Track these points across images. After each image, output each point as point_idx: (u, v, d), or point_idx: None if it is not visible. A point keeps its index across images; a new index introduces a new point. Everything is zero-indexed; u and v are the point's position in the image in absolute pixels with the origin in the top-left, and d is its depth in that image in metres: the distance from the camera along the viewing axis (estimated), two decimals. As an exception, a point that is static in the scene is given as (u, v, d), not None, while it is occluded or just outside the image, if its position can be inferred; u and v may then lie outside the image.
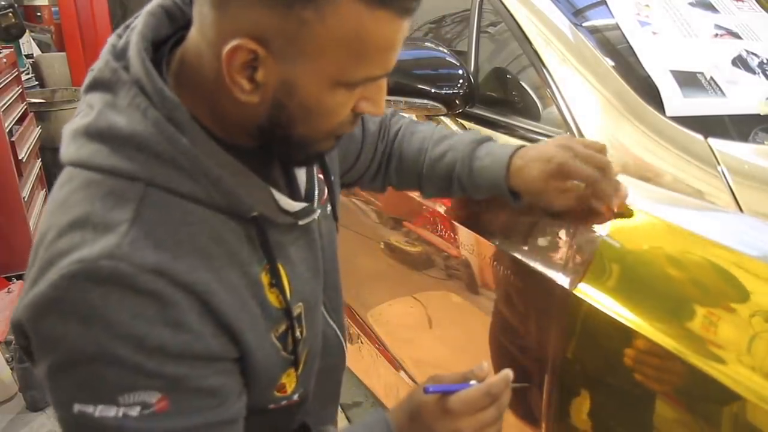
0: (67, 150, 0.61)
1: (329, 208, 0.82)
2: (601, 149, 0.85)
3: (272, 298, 0.67)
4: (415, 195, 1.28)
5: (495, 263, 1.04)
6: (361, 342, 1.67)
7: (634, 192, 0.88)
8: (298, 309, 0.70)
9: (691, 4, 1.20)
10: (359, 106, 0.63)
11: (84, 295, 0.54)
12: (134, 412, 0.56)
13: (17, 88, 3.21)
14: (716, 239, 0.74)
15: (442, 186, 0.96)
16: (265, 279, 0.66)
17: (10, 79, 3.10)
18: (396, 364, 1.48)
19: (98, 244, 0.54)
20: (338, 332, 0.85)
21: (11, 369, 2.27)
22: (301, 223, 0.70)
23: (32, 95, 3.94)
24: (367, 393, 1.89)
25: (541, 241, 0.94)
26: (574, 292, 0.85)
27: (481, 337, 1.14)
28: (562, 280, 0.87)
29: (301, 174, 0.74)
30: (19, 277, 2.77)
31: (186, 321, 0.57)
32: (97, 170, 0.58)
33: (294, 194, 0.72)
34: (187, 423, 0.59)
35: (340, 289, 0.87)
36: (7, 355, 2.31)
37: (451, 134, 0.97)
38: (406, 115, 1.07)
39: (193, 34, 0.61)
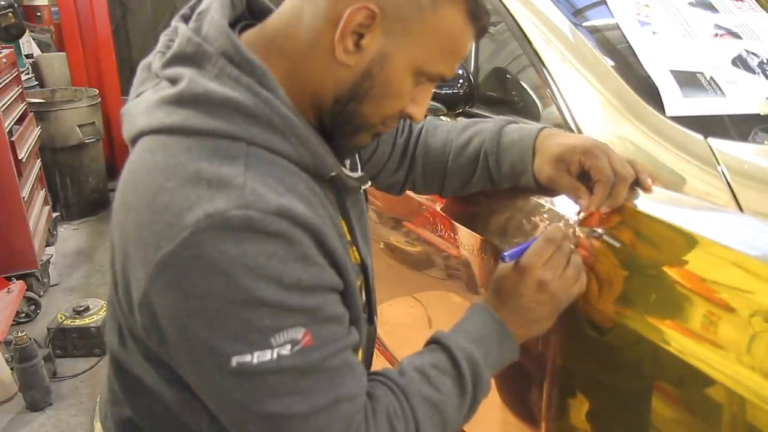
0: (151, 118, 0.64)
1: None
2: (631, 164, 0.86)
3: (351, 252, 0.74)
4: (415, 195, 1.28)
5: (493, 262, 1.04)
6: (361, 342, 1.67)
7: (635, 192, 0.88)
8: (368, 265, 0.78)
9: (691, 4, 1.20)
10: (407, 107, 0.71)
11: (219, 246, 0.57)
12: (286, 350, 0.60)
13: (17, 88, 3.21)
14: (716, 239, 0.74)
15: (468, 172, 0.98)
16: (347, 234, 0.74)
17: (9, 79, 3.10)
18: (396, 364, 1.48)
19: (221, 197, 0.57)
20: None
21: (11, 369, 2.27)
22: (364, 187, 0.78)
23: (32, 95, 3.94)
24: (367, 393, 1.89)
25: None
26: (574, 292, 0.85)
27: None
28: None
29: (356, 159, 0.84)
30: (19, 277, 2.77)
31: (311, 255, 0.62)
32: (195, 133, 0.61)
33: (351, 167, 0.80)
34: (328, 351, 0.63)
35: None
36: (7, 355, 2.31)
37: (475, 122, 1.00)
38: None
39: (281, 14, 0.69)
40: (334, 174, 0.70)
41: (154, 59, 0.71)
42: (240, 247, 0.57)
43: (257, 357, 0.59)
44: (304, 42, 0.66)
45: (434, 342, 0.79)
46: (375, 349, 1.57)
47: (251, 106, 0.62)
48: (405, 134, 1.04)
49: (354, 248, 0.75)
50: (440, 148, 1.01)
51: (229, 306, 0.58)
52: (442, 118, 1.23)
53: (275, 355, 0.59)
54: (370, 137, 0.73)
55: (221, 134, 0.61)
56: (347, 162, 0.80)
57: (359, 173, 0.77)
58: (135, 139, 0.66)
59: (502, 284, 0.82)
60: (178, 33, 0.67)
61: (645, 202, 0.85)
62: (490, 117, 1.21)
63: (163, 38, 0.72)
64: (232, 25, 0.70)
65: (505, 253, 0.80)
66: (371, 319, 0.79)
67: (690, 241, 0.76)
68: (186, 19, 0.70)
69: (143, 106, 0.66)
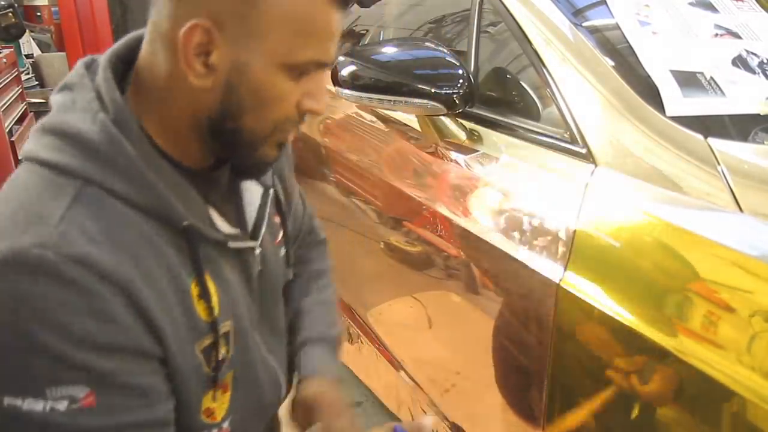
0: (26, 145, 0.64)
1: (282, 251, 0.84)
2: None
3: (200, 309, 0.67)
4: (415, 195, 1.28)
5: (492, 261, 1.04)
6: (361, 342, 1.67)
7: (635, 192, 0.88)
8: (225, 327, 0.70)
9: (691, 4, 1.20)
10: (303, 103, 0.66)
11: (12, 283, 0.55)
12: (62, 406, 0.56)
13: (17, 88, 3.21)
14: (716, 239, 0.74)
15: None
16: (194, 290, 0.66)
17: (10, 79, 3.10)
18: (396, 364, 1.48)
19: (30, 234, 0.56)
20: (278, 370, 0.82)
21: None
22: (231, 245, 0.70)
23: (32, 95, 3.93)
24: (367, 393, 1.88)
25: (539, 239, 0.94)
26: (570, 290, 0.85)
27: (480, 336, 1.14)
28: (557, 277, 0.87)
29: (251, 209, 0.77)
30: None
31: (111, 312, 0.57)
32: (42, 163, 0.61)
33: (238, 223, 0.74)
34: (114, 421, 0.58)
35: (283, 332, 0.87)
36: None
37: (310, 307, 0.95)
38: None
39: (148, 37, 0.65)
40: (187, 223, 0.64)
41: None
42: (32, 288, 0.55)
43: (27, 404, 0.55)
44: (162, 76, 0.63)
45: None
46: (375, 349, 1.58)
47: (96, 143, 0.60)
48: (302, 242, 1.00)
49: (203, 305, 0.67)
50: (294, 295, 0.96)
51: (10, 344, 0.55)
52: (442, 118, 1.23)
53: (48, 408, 0.55)
54: (272, 149, 0.68)
55: (61, 168, 0.60)
56: (251, 219, 0.76)
57: (235, 230, 0.72)
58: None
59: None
60: None
61: (645, 202, 0.85)
62: (490, 117, 1.21)
63: None
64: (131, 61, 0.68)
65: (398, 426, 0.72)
66: (216, 380, 0.70)
67: (690, 241, 0.76)
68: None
69: (32, 128, 0.67)
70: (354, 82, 1.19)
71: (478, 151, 1.18)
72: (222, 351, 0.69)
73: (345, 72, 1.19)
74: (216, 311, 0.68)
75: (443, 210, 1.18)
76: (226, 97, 0.62)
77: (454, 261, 1.18)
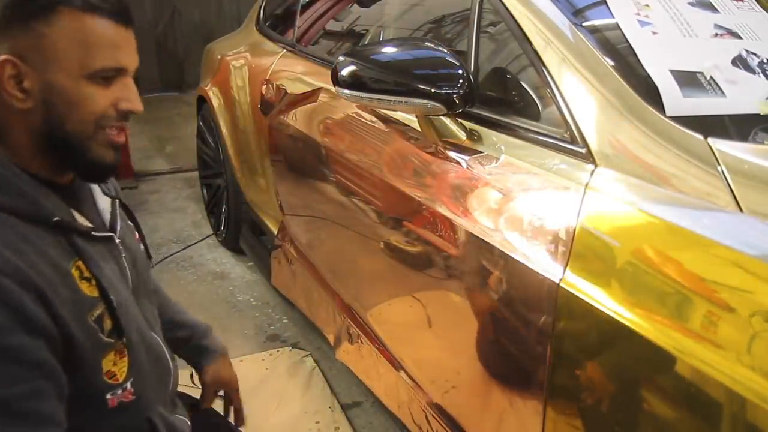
0: None
1: (142, 246, 1.02)
2: None
3: (84, 287, 0.80)
4: (415, 195, 1.28)
5: (492, 261, 1.04)
6: (361, 342, 1.67)
7: (635, 192, 0.88)
8: (111, 295, 0.83)
9: (691, 3, 1.20)
10: (119, 105, 0.80)
11: None
12: None
13: (17, 88, 3.20)
14: (716, 239, 0.74)
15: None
16: (75, 272, 0.79)
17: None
18: (396, 364, 1.48)
19: None
20: (161, 343, 0.98)
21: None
22: (95, 233, 0.85)
23: (32, 95, 3.93)
24: (367, 393, 1.89)
25: (539, 239, 0.94)
26: (570, 290, 0.85)
27: (480, 336, 1.14)
28: (557, 277, 0.87)
29: (106, 213, 0.92)
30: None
31: (15, 301, 0.69)
32: None
33: (97, 222, 0.89)
34: (6, 393, 0.68)
35: (156, 315, 1.02)
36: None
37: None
38: None
39: None
40: (57, 219, 0.78)
41: None
42: None
43: None
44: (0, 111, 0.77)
45: None
46: (375, 349, 1.58)
47: None
48: None
49: (86, 283, 0.80)
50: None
51: None
52: (442, 118, 1.23)
53: None
54: (104, 150, 0.81)
55: None
56: (107, 220, 0.91)
57: (91, 226, 0.85)
58: None
59: None
60: None
61: (645, 202, 0.85)
62: (490, 117, 1.21)
63: None
64: None
65: None
66: (120, 335, 0.84)
67: (690, 241, 0.76)
68: None
69: None
70: (354, 82, 1.19)
71: (478, 151, 1.18)
72: (108, 320, 0.82)
73: (345, 72, 1.19)
74: (97, 287, 0.81)
75: (443, 210, 1.18)
76: (46, 111, 0.77)
77: (454, 261, 1.18)
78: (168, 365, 0.99)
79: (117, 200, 0.96)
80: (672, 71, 1.03)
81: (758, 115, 1.00)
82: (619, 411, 0.82)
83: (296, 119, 1.96)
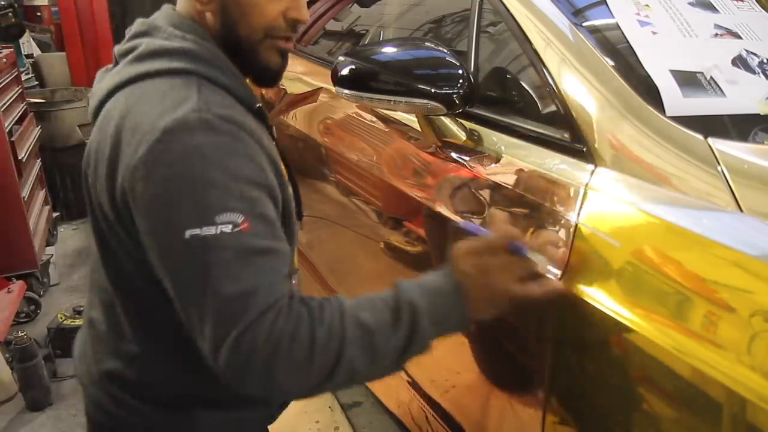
0: (118, 77, 0.84)
1: None
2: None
3: (282, 167, 0.87)
4: (415, 195, 1.28)
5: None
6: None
7: (635, 192, 0.88)
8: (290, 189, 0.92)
9: (691, 3, 1.20)
10: (288, 14, 0.87)
11: (181, 141, 0.74)
12: (227, 228, 0.73)
13: (17, 88, 3.20)
14: (716, 239, 0.74)
15: None
16: (276, 157, 0.86)
17: (10, 79, 3.10)
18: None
19: (182, 108, 0.76)
20: None
21: (11, 369, 2.27)
22: (273, 131, 0.94)
23: (32, 95, 3.93)
24: (367, 393, 1.89)
25: (539, 239, 0.94)
26: (573, 291, 0.85)
27: (480, 336, 1.14)
28: (557, 277, 0.87)
29: None
30: (19, 277, 2.76)
31: (253, 153, 0.79)
32: (158, 74, 0.81)
33: None
34: (263, 244, 0.76)
35: None
36: (7, 355, 2.31)
37: None
38: None
39: None
40: (259, 105, 0.88)
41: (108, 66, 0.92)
42: (197, 141, 0.74)
43: (204, 230, 0.72)
44: (187, 9, 0.88)
45: (394, 285, 0.84)
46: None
47: (198, 51, 0.83)
48: None
49: (279, 167, 0.87)
50: None
51: (185, 187, 0.73)
52: (442, 118, 1.23)
53: (218, 231, 0.73)
54: (273, 55, 0.89)
55: (179, 71, 0.81)
56: None
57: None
58: (102, 103, 0.86)
59: (456, 256, 0.84)
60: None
61: (645, 202, 0.85)
62: (490, 117, 1.21)
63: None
64: None
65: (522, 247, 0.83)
66: (300, 216, 0.96)
67: (690, 241, 0.76)
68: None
69: (107, 79, 0.87)
70: (354, 82, 1.19)
71: (478, 151, 1.18)
72: (293, 209, 0.92)
73: (345, 72, 1.19)
74: (286, 168, 0.90)
75: (443, 210, 1.18)
76: (223, 14, 0.86)
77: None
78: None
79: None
80: (672, 71, 1.03)
81: (758, 115, 1.00)
82: (618, 411, 0.82)
83: (296, 119, 1.96)
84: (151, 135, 0.74)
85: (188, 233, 0.73)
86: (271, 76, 0.93)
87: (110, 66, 0.91)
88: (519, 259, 0.83)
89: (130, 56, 0.85)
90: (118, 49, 0.90)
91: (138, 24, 0.90)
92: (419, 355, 0.81)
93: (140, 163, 0.75)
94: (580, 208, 0.89)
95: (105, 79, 0.88)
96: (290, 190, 0.90)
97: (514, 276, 0.82)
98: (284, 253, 0.80)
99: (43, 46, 5.23)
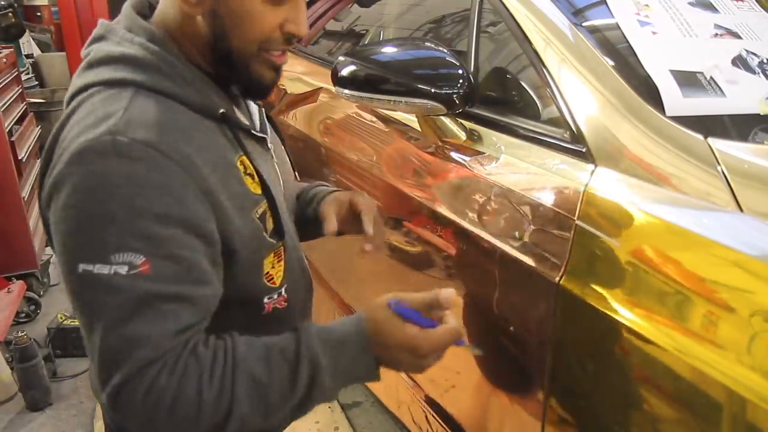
0: (72, 86, 0.78)
1: (287, 157, 1.00)
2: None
3: (248, 183, 0.79)
4: (415, 195, 1.28)
5: (491, 261, 1.04)
6: (361, 342, 1.67)
7: (635, 192, 0.88)
8: (274, 193, 0.82)
9: (691, 3, 1.20)
10: (285, 27, 0.77)
11: (88, 167, 0.67)
12: (123, 270, 0.67)
13: (17, 88, 3.20)
14: (716, 239, 0.74)
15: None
16: (240, 167, 0.79)
17: (10, 79, 3.10)
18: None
19: (98, 128, 0.69)
20: (304, 257, 0.97)
21: (11, 369, 2.27)
22: (255, 132, 0.85)
23: (32, 95, 3.94)
24: (367, 393, 1.89)
25: (539, 239, 0.94)
26: (570, 290, 0.85)
27: (480, 336, 1.14)
28: (557, 277, 0.87)
29: (255, 116, 0.91)
30: (19, 277, 2.76)
31: (170, 185, 0.69)
32: (98, 84, 0.74)
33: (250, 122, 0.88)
34: (165, 289, 0.69)
35: (293, 221, 0.98)
36: (7, 355, 2.31)
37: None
38: None
39: None
40: (223, 111, 0.78)
41: None
42: (105, 167, 0.67)
43: (97, 269, 0.67)
44: (171, 12, 0.78)
45: (297, 328, 0.79)
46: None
47: (141, 57, 0.75)
48: None
49: (250, 180, 0.80)
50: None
51: (84, 218, 0.68)
52: (442, 118, 1.23)
53: (112, 272, 0.67)
54: (264, 69, 0.80)
55: (115, 82, 0.74)
56: (252, 115, 0.90)
57: (248, 123, 0.86)
58: (67, 106, 0.78)
59: (386, 331, 0.77)
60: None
61: (645, 202, 0.85)
62: (490, 117, 1.21)
63: None
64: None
65: (393, 302, 0.76)
66: (281, 236, 0.84)
67: (690, 241, 0.76)
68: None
69: (72, 79, 0.80)
70: (354, 82, 1.19)
71: (478, 151, 1.18)
72: (270, 219, 0.82)
73: (345, 72, 1.19)
74: (260, 184, 0.80)
75: (443, 210, 1.18)
76: (213, 21, 0.76)
77: (454, 261, 1.18)
78: (310, 279, 1.00)
79: (263, 109, 0.96)
80: (672, 71, 1.03)
81: (758, 115, 1.00)
82: (618, 411, 0.82)
83: (296, 119, 1.96)
84: (66, 155, 0.69)
85: (81, 267, 0.67)
86: (261, 90, 0.85)
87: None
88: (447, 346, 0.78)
89: (83, 64, 0.79)
90: (81, 53, 0.84)
91: (98, 26, 0.83)
92: (322, 403, 0.79)
93: (52, 183, 0.70)
94: (580, 208, 0.89)
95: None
96: (263, 207, 0.81)
97: (436, 360, 0.79)
98: (197, 297, 0.72)
99: (43, 46, 5.23)
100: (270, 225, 0.82)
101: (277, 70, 0.81)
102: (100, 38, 0.80)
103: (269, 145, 0.90)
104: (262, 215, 0.80)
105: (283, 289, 0.86)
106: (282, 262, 0.85)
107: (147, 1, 0.85)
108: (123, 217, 0.66)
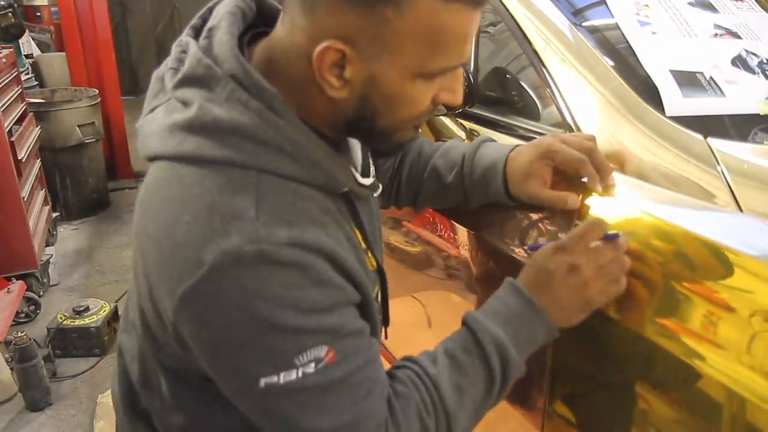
0: (165, 144, 0.65)
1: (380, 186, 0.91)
2: (590, 138, 0.89)
3: (368, 260, 0.75)
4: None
5: (491, 261, 1.04)
6: (361, 342, 1.67)
7: (635, 192, 0.88)
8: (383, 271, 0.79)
9: (690, 3, 1.20)
10: (438, 97, 0.68)
11: (237, 281, 0.59)
12: (311, 369, 0.62)
13: (17, 88, 3.21)
14: (716, 239, 0.74)
15: (443, 178, 0.99)
16: (362, 244, 0.74)
17: (9, 79, 3.10)
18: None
19: (235, 233, 0.59)
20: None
21: (11, 369, 2.27)
22: (375, 195, 0.79)
23: (32, 95, 3.93)
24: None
25: (539, 239, 0.94)
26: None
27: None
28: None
29: (357, 153, 0.79)
30: (19, 277, 2.77)
31: (326, 277, 0.63)
32: (207, 162, 0.62)
33: (362, 173, 0.78)
34: (351, 366, 0.65)
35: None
36: (7, 355, 2.31)
37: (455, 142, 1.03)
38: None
39: (281, 36, 0.66)
40: (347, 189, 0.71)
41: (166, 74, 0.70)
42: (256, 280, 0.59)
43: (283, 377, 0.62)
44: (297, 79, 0.66)
45: (463, 323, 0.78)
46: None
47: (260, 132, 0.63)
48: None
49: (370, 254, 0.76)
50: (423, 157, 1.03)
51: (251, 335, 0.61)
52: (442, 118, 1.23)
53: (300, 374, 0.62)
54: (408, 133, 0.72)
55: (232, 163, 0.62)
56: (360, 166, 0.79)
57: (371, 179, 0.79)
58: (151, 159, 0.68)
59: (534, 262, 0.78)
60: (188, 50, 0.67)
61: (645, 202, 0.85)
62: (490, 117, 1.21)
63: (175, 50, 0.71)
64: (243, 33, 0.70)
65: (527, 248, 0.77)
66: (386, 320, 0.81)
67: (690, 240, 0.76)
68: (197, 31, 0.70)
69: (156, 126, 0.67)
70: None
71: (478, 151, 1.18)
72: (380, 298, 0.77)
73: (345, 72, 1.19)
74: (378, 260, 0.76)
75: (443, 210, 1.18)
76: (361, 104, 0.66)
77: (454, 261, 1.18)
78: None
79: None
80: (672, 71, 1.03)
81: (758, 115, 1.00)
82: (618, 411, 0.82)
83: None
84: (196, 266, 0.59)
85: (264, 382, 0.62)
86: (399, 151, 0.80)
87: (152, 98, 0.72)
88: (611, 250, 0.75)
89: (180, 118, 0.64)
90: (164, 82, 0.69)
91: (194, 55, 0.65)
92: (517, 377, 0.79)
93: (185, 302, 0.61)
94: (580, 208, 0.89)
95: (156, 121, 0.68)
96: (377, 286, 0.77)
97: (611, 271, 0.75)
98: (374, 353, 0.70)
99: (43, 46, 5.23)
100: (378, 304, 0.77)
101: (417, 128, 0.73)
102: (199, 81, 0.64)
103: (375, 194, 0.82)
104: (377, 295, 0.77)
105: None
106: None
107: (242, 12, 0.70)
108: (293, 322, 0.61)
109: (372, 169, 0.82)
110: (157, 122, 0.67)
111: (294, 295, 0.61)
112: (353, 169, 0.74)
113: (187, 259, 0.60)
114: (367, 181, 0.77)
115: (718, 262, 0.73)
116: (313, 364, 0.62)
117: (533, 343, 0.77)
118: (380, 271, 0.77)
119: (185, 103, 0.65)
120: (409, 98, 0.66)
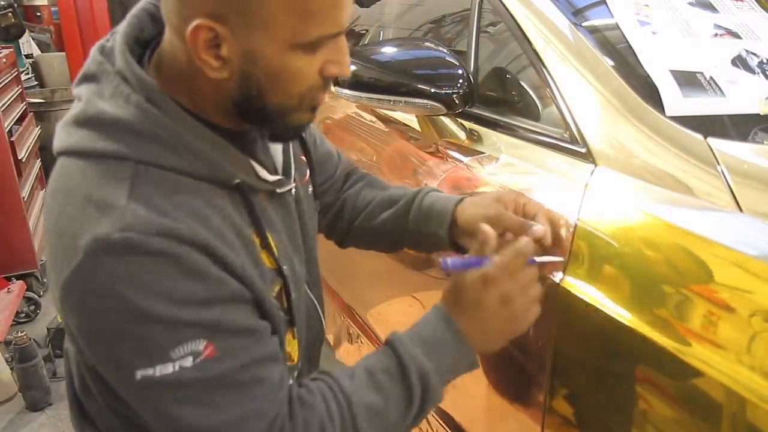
0: (58, 140, 0.68)
1: (310, 188, 0.90)
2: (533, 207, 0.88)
3: (264, 258, 0.72)
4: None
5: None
6: (361, 342, 1.67)
7: (635, 192, 0.88)
8: (286, 271, 0.75)
9: (690, 3, 1.20)
10: (326, 69, 0.67)
11: (108, 269, 0.59)
12: (188, 362, 0.61)
13: (17, 88, 3.21)
14: (716, 239, 0.74)
15: (390, 218, 0.99)
16: (256, 240, 0.71)
17: (9, 79, 3.10)
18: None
19: (105, 221, 0.60)
20: (317, 305, 0.90)
21: (11, 369, 2.27)
22: (279, 191, 0.76)
23: (32, 95, 3.94)
24: (367, 393, 1.89)
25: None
26: (570, 290, 0.85)
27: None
28: (558, 277, 0.87)
29: (277, 153, 0.80)
30: (19, 277, 2.77)
31: (202, 269, 0.62)
32: (87, 155, 0.64)
33: (271, 170, 0.77)
34: (237, 363, 0.64)
35: (317, 263, 0.92)
36: (7, 355, 2.31)
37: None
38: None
39: (166, 28, 0.67)
40: (238, 181, 0.69)
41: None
42: (126, 268, 0.59)
43: (159, 370, 0.61)
44: (183, 67, 0.66)
45: (387, 343, 0.76)
46: (375, 349, 1.58)
47: (137, 123, 0.64)
48: (348, 183, 1.08)
49: (266, 253, 0.73)
50: (365, 191, 1.05)
51: (125, 324, 0.60)
52: (442, 118, 1.23)
53: (177, 368, 0.61)
54: (304, 114, 0.71)
55: (110, 155, 0.63)
56: (279, 164, 0.79)
57: (276, 177, 0.76)
58: (57, 156, 0.70)
59: (463, 291, 0.77)
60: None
61: (645, 202, 0.85)
62: (490, 117, 1.21)
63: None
64: (151, 40, 0.71)
65: (448, 260, 0.75)
66: (292, 321, 0.77)
67: (690, 241, 0.76)
68: (107, 39, 0.73)
69: (58, 125, 0.70)
70: (354, 82, 1.19)
71: (478, 151, 1.18)
72: (284, 297, 0.75)
73: (345, 72, 1.19)
74: (277, 258, 0.73)
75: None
76: (245, 83, 0.65)
77: (454, 261, 1.18)
78: (321, 326, 0.92)
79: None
80: (672, 71, 1.03)
81: (758, 115, 1.00)
82: (618, 411, 0.82)
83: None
84: (73, 255, 0.60)
85: (140, 374, 0.61)
86: (296, 135, 0.77)
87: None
88: (534, 275, 0.76)
89: (71, 113, 0.68)
90: (72, 91, 0.72)
91: (92, 55, 0.69)
92: (433, 406, 0.78)
93: (65, 292, 0.62)
94: (580, 208, 0.89)
95: (63, 118, 0.71)
96: (279, 285, 0.75)
97: (534, 297, 0.76)
98: (270, 353, 0.69)
99: (43, 46, 5.24)
100: (284, 302, 0.76)
101: (314, 110, 0.72)
102: (92, 78, 0.68)
103: (293, 191, 0.81)
104: (279, 293, 0.75)
105: (299, 364, 0.82)
106: (296, 339, 0.80)
107: (148, 15, 0.72)
108: (166, 312, 0.60)
109: (294, 172, 0.81)
110: (62, 119, 0.71)
111: (165, 285, 0.60)
112: (255, 164, 0.73)
113: (67, 249, 0.61)
114: (272, 177, 0.75)
115: (718, 262, 0.73)
116: (190, 358, 0.61)
117: (454, 373, 0.78)
118: (280, 271, 0.74)
119: (79, 99, 0.68)
120: (293, 71, 0.65)
